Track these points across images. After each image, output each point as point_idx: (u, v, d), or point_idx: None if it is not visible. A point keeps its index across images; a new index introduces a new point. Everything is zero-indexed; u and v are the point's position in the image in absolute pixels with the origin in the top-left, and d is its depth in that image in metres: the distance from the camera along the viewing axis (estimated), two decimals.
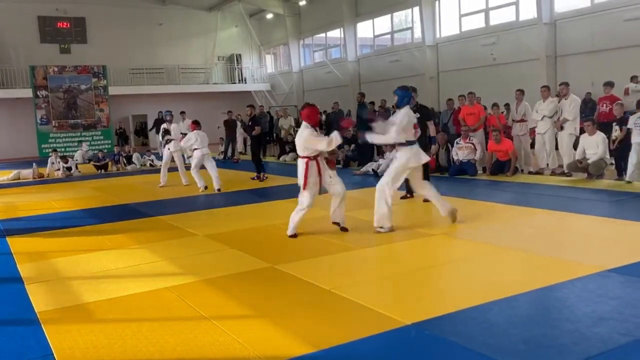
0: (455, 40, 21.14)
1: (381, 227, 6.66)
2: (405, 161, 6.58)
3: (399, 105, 6.68)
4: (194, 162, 11.31)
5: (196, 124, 11.59)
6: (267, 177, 12.63)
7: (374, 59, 25.38)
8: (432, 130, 8.77)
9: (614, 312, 3.84)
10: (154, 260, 5.94)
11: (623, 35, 15.74)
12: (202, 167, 11.35)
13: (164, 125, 13.08)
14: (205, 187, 11.19)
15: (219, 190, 11.01)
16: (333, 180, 6.70)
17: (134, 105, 28.84)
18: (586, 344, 3.37)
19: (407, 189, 8.74)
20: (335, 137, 6.40)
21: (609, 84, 12.02)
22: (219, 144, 21.10)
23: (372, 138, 6.84)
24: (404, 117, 6.53)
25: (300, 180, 6.59)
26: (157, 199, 10.68)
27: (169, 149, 12.43)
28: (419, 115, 7.92)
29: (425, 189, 7.05)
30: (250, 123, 13.06)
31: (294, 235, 6.65)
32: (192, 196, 10.80)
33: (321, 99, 25.91)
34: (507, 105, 14.14)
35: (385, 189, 6.63)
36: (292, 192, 10.39)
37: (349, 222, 6.99)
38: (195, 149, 11.22)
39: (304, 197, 6.57)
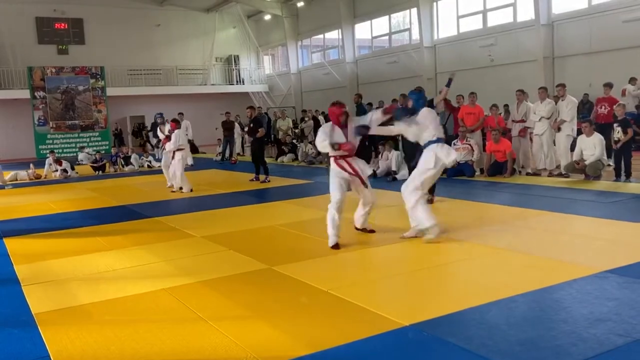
0: (453, 41, 21.17)
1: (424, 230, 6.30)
2: (431, 163, 6.29)
3: (416, 109, 6.53)
4: (181, 163, 11.23)
5: (176, 123, 11.50)
6: (269, 180, 12.38)
7: (372, 60, 25.40)
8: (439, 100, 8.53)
9: (612, 314, 3.84)
10: (151, 262, 5.93)
11: (621, 36, 15.78)
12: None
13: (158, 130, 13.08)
14: (191, 190, 11.18)
15: (180, 189, 11.19)
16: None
17: (131, 106, 28.83)
18: (583, 346, 3.37)
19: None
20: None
21: (609, 85, 12.03)
22: (216, 145, 21.07)
23: (398, 125, 6.55)
24: (428, 114, 6.38)
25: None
26: (155, 200, 10.66)
27: (164, 149, 12.45)
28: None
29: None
30: (251, 125, 12.85)
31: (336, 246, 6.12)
32: (189, 197, 10.79)
33: (319, 100, 25.98)
34: (506, 107, 14.16)
35: (408, 194, 6.46)
36: (290, 193, 10.44)
37: (346, 222, 6.98)
38: (181, 149, 11.17)
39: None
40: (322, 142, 6.29)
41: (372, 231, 6.76)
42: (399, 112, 6.55)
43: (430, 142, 6.30)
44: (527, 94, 11.84)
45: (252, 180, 12.55)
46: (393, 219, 7.76)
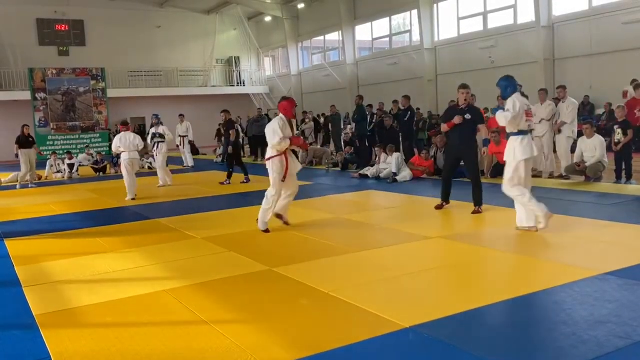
0: (454, 43, 21.19)
1: (531, 226, 6.40)
2: (518, 154, 6.32)
3: (504, 97, 6.56)
4: (122, 166, 11.16)
5: (123, 125, 11.38)
6: (249, 181, 12.46)
7: (373, 62, 25.42)
8: (484, 132, 8.15)
9: (612, 316, 3.84)
10: (152, 263, 5.93)
11: (621, 38, 15.79)
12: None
13: (152, 129, 13.18)
14: (133, 199, 10.82)
15: (132, 199, 10.75)
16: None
17: (132, 107, 28.85)
18: (584, 348, 3.37)
19: (443, 197, 8.23)
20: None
21: None
22: (217, 147, 21.11)
23: (498, 117, 6.54)
24: (515, 103, 6.33)
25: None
26: (155, 201, 10.68)
27: (157, 149, 12.59)
28: (469, 117, 7.75)
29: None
30: (225, 128, 13.00)
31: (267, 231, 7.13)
32: (189, 199, 10.79)
33: (319, 101, 26.02)
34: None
35: (508, 191, 6.48)
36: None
37: (347, 224, 6.99)
38: (122, 152, 10.95)
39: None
40: (283, 141, 6.86)
41: (287, 223, 7.37)
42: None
43: (512, 135, 6.48)
44: (527, 96, 11.83)
45: (242, 182, 12.60)
46: (394, 221, 7.76)
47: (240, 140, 21.11)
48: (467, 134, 7.83)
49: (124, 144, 10.79)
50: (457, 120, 7.70)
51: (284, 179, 6.99)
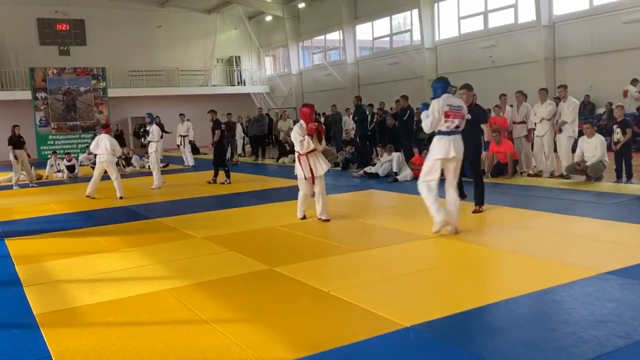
0: (454, 42, 21.18)
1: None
2: (434, 153, 6.48)
3: (433, 98, 6.58)
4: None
5: (102, 128, 11.67)
6: (229, 183, 12.47)
7: (373, 61, 25.41)
8: (486, 133, 8.13)
9: (613, 315, 3.84)
10: (152, 263, 5.93)
11: (622, 37, 15.78)
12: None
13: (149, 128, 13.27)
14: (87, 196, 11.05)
15: (121, 198, 10.94)
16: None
17: (133, 107, 28.84)
18: (584, 347, 3.37)
19: (459, 193, 7.96)
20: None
21: None
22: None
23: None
24: (434, 106, 6.41)
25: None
26: (155, 201, 10.68)
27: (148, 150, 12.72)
28: (470, 117, 7.48)
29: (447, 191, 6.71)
30: (211, 128, 13.01)
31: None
32: (190, 198, 10.80)
33: (320, 101, 25.96)
34: (511, 106, 14.13)
35: (419, 187, 6.62)
36: (291, 194, 10.41)
37: (348, 223, 6.99)
38: (97, 153, 11.16)
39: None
40: (305, 142, 7.39)
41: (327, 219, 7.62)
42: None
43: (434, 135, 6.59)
44: (526, 95, 11.83)
45: (210, 182, 12.67)
46: (394, 220, 7.76)
47: (243, 140, 21.19)
48: (468, 134, 7.67)
49: (99, 146, 11.02)
50: None
51: (312, 180, 7.55)
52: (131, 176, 15.83)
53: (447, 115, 6.32)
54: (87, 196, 11.10)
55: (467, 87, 7.91)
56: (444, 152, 6.39)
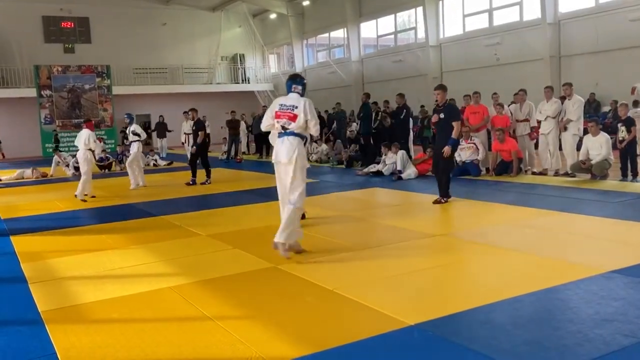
0: (459, 40, 21.14)
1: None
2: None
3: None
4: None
5: (85, 122, 11.54)
6: (210, 183, 12.20)
7: (378, 59, 25.39)
8: (455, 131, 8.25)
9: (618, 314, 3.83)
10: (156, 260, 5.94)
11: (627, 35, 15.71)
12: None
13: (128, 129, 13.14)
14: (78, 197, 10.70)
15: (75, 196, 10.61)
16: None
17: (137, 105, 28.86)
18: (589, 346, 3.36)
19: (442, 193, 8.51)
20: None
21: None
22: (222, 144, 21.14)
23: None
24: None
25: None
26: (160, 198, 10.69)
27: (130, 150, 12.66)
28: (443, 116, 8.24)
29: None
30: (194, 128, 12.33)
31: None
32: (194, 196, 10.82)
33: (324, 99, 25.97)
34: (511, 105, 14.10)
35: None
36: None
37: (352, 221, 6.97)
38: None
39: None
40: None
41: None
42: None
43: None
44: (525, 90, 11.78)
45: (188, 184, 12.22)
46: (398, 218, 7.76)
47: (247, 138, 21.17)
48: (441, 132, 8.48)
49: (79, 141, 10.97)
50: (433, 119, 8.47)
51: None
52: None
53: (277, 116, 5.80)
54: (85, 196, 10.72)
55: (439, 87, 8.55)
56: (273, 155, 5.90)
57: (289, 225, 5.56)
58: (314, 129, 5.86)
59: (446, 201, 8.39)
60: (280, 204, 6.06)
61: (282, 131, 5.72)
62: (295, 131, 5.68)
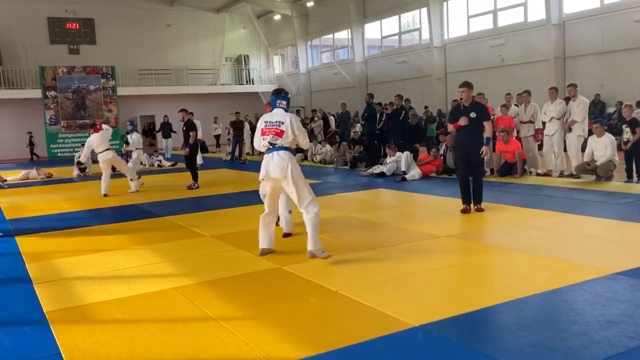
0: (463, 41, 21.11)
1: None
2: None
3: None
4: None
5: (91, 127, 12.07)
6: (197, 187, 11.77)
7: (382, 60, 25.38)
8: (487, 130, 7.69)
9: (623, 316, 3.82)
10: (161, 261, 5.95)
11: (632, 36, 15.67)
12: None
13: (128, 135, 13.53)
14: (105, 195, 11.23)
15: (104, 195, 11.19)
16: None
17: (142, 105, 28.99)
18: (594, 348, 3.35)
19: (464, 200, 7.83)
20: None
21: None
22: (226, 145, 21.16)
23: None
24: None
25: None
26: (164, 199, 10.71)
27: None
28: (474, 115, 7.52)
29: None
30: (184, 128, 11.93)
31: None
32: (198, 197, 10.84)
33: (328, 100, 26.01)
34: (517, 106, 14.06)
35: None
36: None
37: (356, 222, 6.97)
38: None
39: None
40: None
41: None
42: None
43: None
44: (529, 91, 11.73)
45: (190, 187, 11.86)
46: (402, 219, 7.75)
47: (251, 139, 21.15)
48: (473, 133, 7.64)
49: (101, 143, 11.63)
50: (462, 122, 7.56)
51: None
52: (140, 174, 15.85)
53: (262, 133, 5.75)
54: (105, 195, 11.24)
55: (466, 84, 7.71)
56: (262, 171, 5.76)
57: (315, 233, 5.61)
58: (304, 142, 5.87)
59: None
60: (266, 216, 5.93)
61: (270, 147, 5.64)
62: (284, 145, 5.64)
